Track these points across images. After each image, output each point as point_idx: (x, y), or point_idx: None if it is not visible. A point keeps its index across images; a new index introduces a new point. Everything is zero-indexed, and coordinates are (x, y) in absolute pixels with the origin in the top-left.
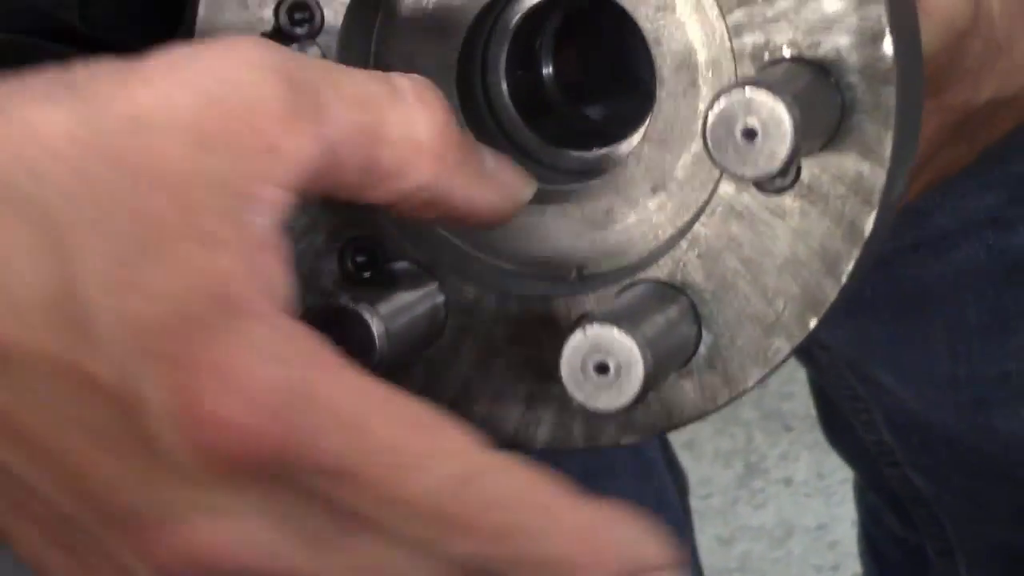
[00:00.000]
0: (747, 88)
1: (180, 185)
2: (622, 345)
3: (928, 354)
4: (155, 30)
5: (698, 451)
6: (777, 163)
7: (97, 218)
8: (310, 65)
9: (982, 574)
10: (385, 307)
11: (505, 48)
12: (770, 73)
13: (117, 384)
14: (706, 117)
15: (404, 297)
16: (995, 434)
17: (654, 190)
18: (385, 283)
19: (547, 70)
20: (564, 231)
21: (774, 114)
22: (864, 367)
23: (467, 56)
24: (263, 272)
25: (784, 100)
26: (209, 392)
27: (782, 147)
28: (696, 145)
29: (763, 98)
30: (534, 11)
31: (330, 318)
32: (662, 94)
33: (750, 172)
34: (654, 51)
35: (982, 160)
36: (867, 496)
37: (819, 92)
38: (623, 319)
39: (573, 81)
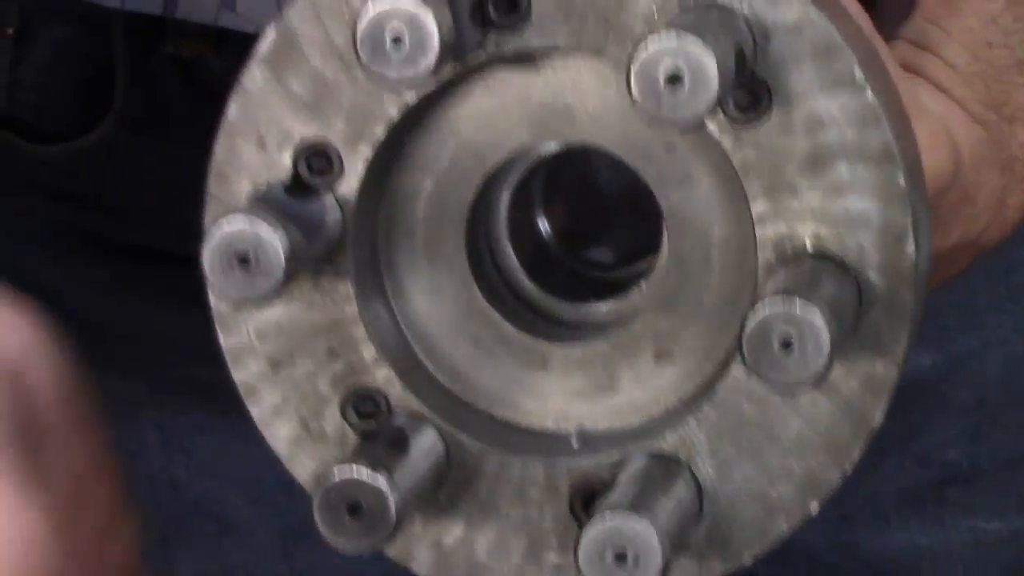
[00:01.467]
0: (784, 299)
1: None
2: (642, 536)
3: None
4: (83, 118)
5: None
6: (811, 374)
7: None
8: None
9: None
10: (399, 473)
11: (507, 201)
12: (800, 276)
13: None
14: (743, 326)
15: (413, 458)
16: (857, 552)
17: (657, 357)
18: (391, 439)
19: (545, 225)
20: (566, 391)
21: (812, 327)
22: None
23: (475, 212)
24: None
25: (821, 311)
26: None
27: (818, 359)
28: (704, 316)
29: (801, 311)
30: (537, 165)
31: (349, 485)
32: (672, 262)
33: (784, 379)
34: (668, 222)
35: None
36: None
37: (841, 289)
38: (639, 506)
39: (571, 234)
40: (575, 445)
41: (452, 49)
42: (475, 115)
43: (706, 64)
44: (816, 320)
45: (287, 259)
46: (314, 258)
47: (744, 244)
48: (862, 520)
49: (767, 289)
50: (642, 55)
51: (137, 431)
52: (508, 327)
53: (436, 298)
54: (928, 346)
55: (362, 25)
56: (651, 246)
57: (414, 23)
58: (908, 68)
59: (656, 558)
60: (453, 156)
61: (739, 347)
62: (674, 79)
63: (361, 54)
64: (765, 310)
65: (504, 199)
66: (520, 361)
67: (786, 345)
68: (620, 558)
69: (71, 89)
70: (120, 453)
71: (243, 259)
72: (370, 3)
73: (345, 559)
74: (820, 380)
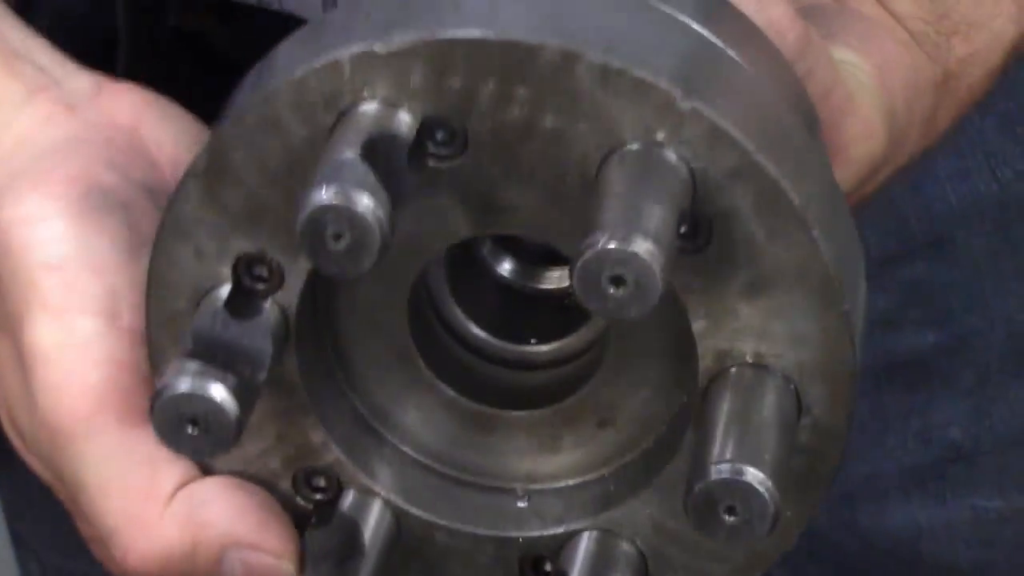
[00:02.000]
0: (731, 474)
1: None
2: None
3: None
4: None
5: None
6: (754, 537)
7: None
8: None
9: None
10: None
11: (447, 279)
12: (746, 394)
13: None
14: (687, 496)
15: (367, 552)
16: (857, 531)
17: (600, 425)
18: (344, 535)
19: (492, 266)
20: (511, 450)
21: (759, 500)
22: None
23: (417, 291)
24: None
25: (767, 487)
26: None
27: (763, 526)
28: (647, 388)
29: (747, 483)
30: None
31: None
32: (614, 340)
33: (728, 543)
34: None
35: (876, 263)
36: None
37: (782, 398)
38: None
39: (501, 315)
40: (521, 504)
41: (394, 228)
42: (415, 213)
43: (650, 269)
44: (763, 496)
45: (237, 420)
46: (261, 384)
47: (685, 334)
48: (863, 498)
49: (712, 413)
50: (584, 259)
51: None
52: (454, 396)
53: (384, 373)
54: (931, 325)
55: (301, 223)
56: (588, 320)
57: (353, 223)
58: None
59: None
60: (393, 252)
61: (685, 507)
62: (617, 281)
63: (302, 250)
64: (711, 482)
65: (444, 279)
66: (467, 424)
67: (731, 512)
68: None
69: (74, 39)
70: None
71: (193, 422)
72: (311, 196)
73: None
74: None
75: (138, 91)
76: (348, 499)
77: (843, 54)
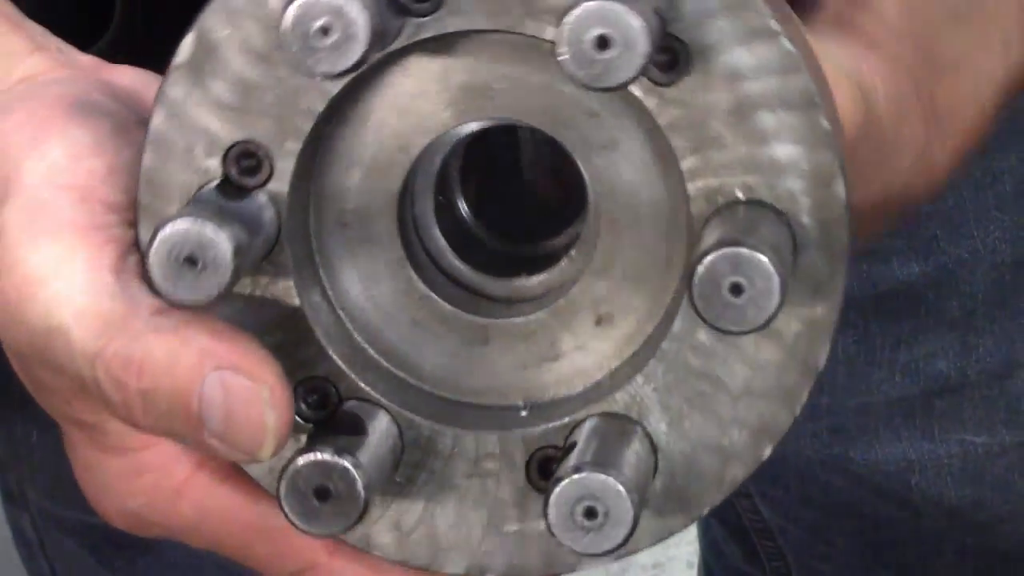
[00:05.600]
0: (732, 246)
1: None
2: (611, 490)
3: None
4: (80, 38)
5: None
6: (763, 318)
7: None
8: None
9: None
10: (361, 455)
11: (432, 185)
12: (737, 224)
13: None
14: (692, 274)
15: (372, 441)
16: (849, 465)
17: (598, 322)
18: (348, 425)
19: (466, 208)
20: (509, 364)
21: (762, 271)
22: None
23: (404, 199)
24: None
25: (768, 255)
26: None
27: (770, 303)
28: (641, 277)
29: (749, 256)
30: (458, 147)
31: (316, 469)
32: (602, 229)
33: (736, 328)
34: (593, 188)
35: None
36: (711, 527)
37: (777, 233)
38: (603, 462)
39: (493, 214)
40: (523, 415)
41: (380, 38)
42: (396, 103)
43: (633, 27)
44: (765, 264)
45: (234, 256)
46: (254, 257)
47: (674, 202)
48: (852, 434)
49: (708, 238)
50: (570, 21)
51: None
52: (446, 307)
53: (373, 285)
54: (916, 255)
55: (288, 19)
56: (575, 216)
57: (340, 14)
58: (840, 21)
59: (627, 511)
60: (378, 145)
61: (689, 297)
62: (603, 43)
63: (290, 48)
64: (713, 257)
65: (429, 184)
66: (461, 339)
67: (736, 291)
68: (591, 514)
69: (67, 8)
70: None
71: (191, 260)
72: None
73: None
74: (771, 323)
75: (140, 70)
76: (349, 405)
77: (818, 39)
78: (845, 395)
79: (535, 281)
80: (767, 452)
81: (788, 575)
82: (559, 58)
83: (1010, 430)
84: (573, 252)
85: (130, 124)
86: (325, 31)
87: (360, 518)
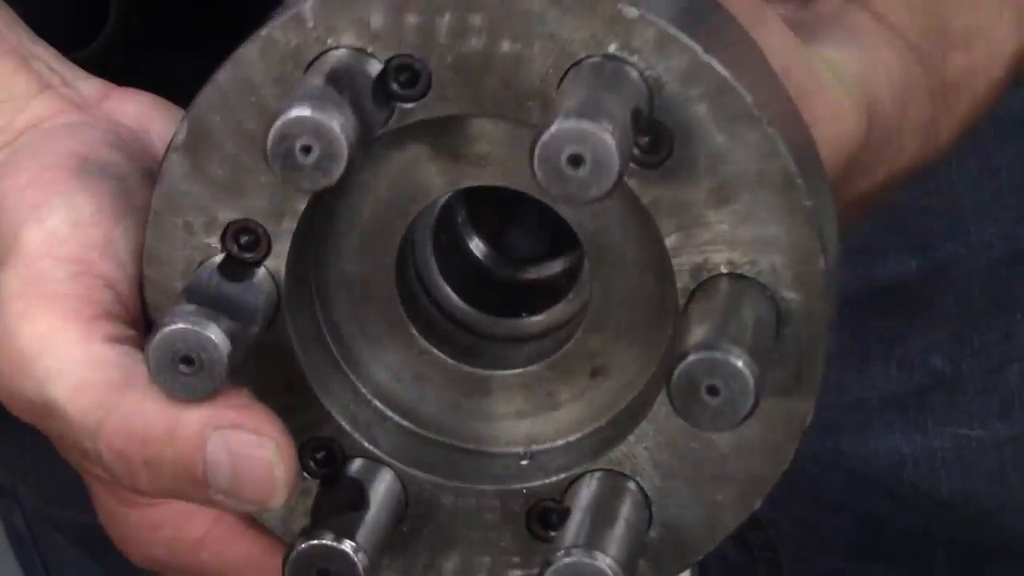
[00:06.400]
0: (708, 352)
1: None
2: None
3: None
4: (79, 32)
5: None
6: (738, 418)
7: None
8: None
9: None
10: (363, 532)
11: (431, 229)
12: (717, 306)
13: None
14: (669, 378)
15: (374, 512)
16: (841, 458)
17: (593, 375)
18: (350, 495)
19: (464, 237)
20: (510, 412)
21: (737, 375)
22: None
23: (403, 255)
24: None
25: (743, 358)
26: None
27: (745, 403)
28: (634, 333)
29: (726, 360)
30: (454, 198)
31: (318, 553)
32: (595, 286)
33: (713, 427)
34: (587, 248)
35: None
36: None
37: (760, 307)
38: (594, 539)
39: (497, 247)
40: (524, 463)
41: (364, 142)
42: (390, 174)
43: (606, 145)
44: (740, 369)
45: (229, 357)
46: (250, 343)
47: (662, 266)
48: (845, 427)
49: (689, 331)
50: (543, 140)
51: None
52: (447, 361)
53: (376, 344)
54: (912, 251)
55: (270, 138)
56: (571, 247)
57: (321, 133)
58: None
59: None
60: (374, 213)
61: (669, 398)
62: (576, 161)
63: (272, 168)
64: (690, 360)
65: (428, 231)
66: (463, 390)
67: (713, 392)
68: None
69: (66, 2)
70: None
71: (187, 360)
72: (280, 113)
73: None
74: (747, 420)
75: (146, 95)
76: (354, 466)
77: (824, 52)
78: (839, 390)
79: (535, 321)
80: (756, 504)
81: (779, 566)
82: (536, 175)
83: (1004, 423)
84: (571, 295)
85: (133, 183)
86: (307, 150)
87: None
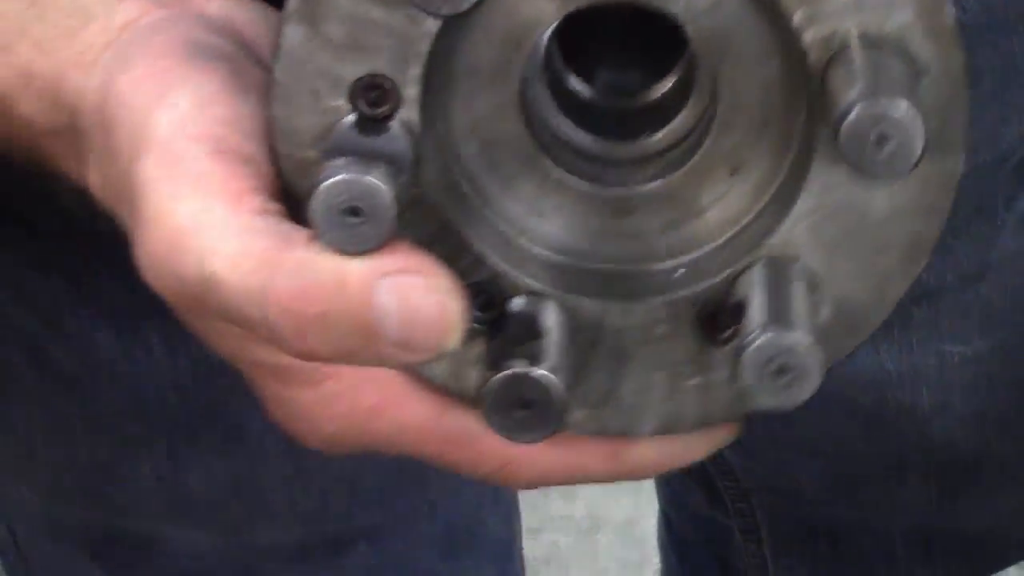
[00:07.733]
0: (872, 101)
1: None
2: (803, 349)
3: None
4: None
5: None
6: (909, 166)
7: None
8: None
9: (785, 554)
10: (549, 359)
11: (540, 64)
12: (865, 66)
13: None
14: (838, 126)
15: (552, 338)
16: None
17: (732, 173)
18: (523, 329)
19: (574, 75)
20: (656, 227)
21: (907, 122)
22: None
23: (523, 90)
24: None
25: (913, 106)
26: None
27: (915, 152)
28: (765, 125)
29: (896, 109)
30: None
31: (513, 382)
32: (720, 84)
33: (884, 176)
34: (704, 51)
35: None
36: (672, 480)
37: (898, 68)
38: (787, 319)
39: (599, 74)
40: (682, 271)
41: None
42: (503, 6)
43: (910, 118)
44: (909, 114)
45: (393, 204)
46: (405, 186)
47: (787, 52)
48: None
49: (840, 91)
50: (850, 119)
51: (141, 338)
52: (585, 185)
53: (514, 183)
54: None
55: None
56: (677, 59)
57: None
58: None
59: (815, 364)
60: (493, 49)
61: (839, 147)
62: (882, 139)
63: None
64: (856, 113)
65: (538, 67)
66: (606, 212)
67: (881, 141)
68: (783, 371)
69: None
70: (124, 359)
71: (353, 211)
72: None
73: (351, 460)
74: (918, 164)
75: None
76: (516, 305)
77: None
78: None
79: (659, 137)
80: (921, 265)
81: (752, 516)
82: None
83: (983, 337)
84: (689, 105)
85: (243, 64)
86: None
87: (561, 420)
